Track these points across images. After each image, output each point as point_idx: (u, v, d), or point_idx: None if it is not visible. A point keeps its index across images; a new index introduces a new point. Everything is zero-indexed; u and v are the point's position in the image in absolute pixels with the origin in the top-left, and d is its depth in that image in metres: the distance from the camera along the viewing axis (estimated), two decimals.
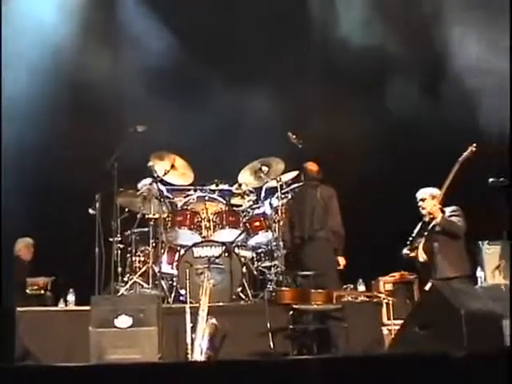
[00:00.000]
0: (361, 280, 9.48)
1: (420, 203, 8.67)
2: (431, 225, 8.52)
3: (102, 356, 7.43)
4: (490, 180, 8.85)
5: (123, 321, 7.62)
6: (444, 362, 4.90)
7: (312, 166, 9.14)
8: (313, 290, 7.92)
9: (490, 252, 9.84)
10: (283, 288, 8.79)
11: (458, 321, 6.67)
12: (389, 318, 8.98)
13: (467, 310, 6.80)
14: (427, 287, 7.53)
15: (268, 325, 7.87)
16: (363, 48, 10.97)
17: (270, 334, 7.85)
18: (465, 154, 8.54)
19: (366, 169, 10.67)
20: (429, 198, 8.61)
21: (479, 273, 9.67)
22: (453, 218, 8.58)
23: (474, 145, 8.55)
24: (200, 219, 9.89)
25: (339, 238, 8.81)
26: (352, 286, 9.38)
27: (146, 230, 9.67)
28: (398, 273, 9.55)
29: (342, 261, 8.77)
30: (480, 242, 9.91)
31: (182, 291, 8.97)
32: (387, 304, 8.99)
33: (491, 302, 7.71)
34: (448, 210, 8.67)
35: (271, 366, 5.35)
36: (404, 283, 9.65)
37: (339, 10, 11.34)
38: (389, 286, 9.64)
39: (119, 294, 9.12)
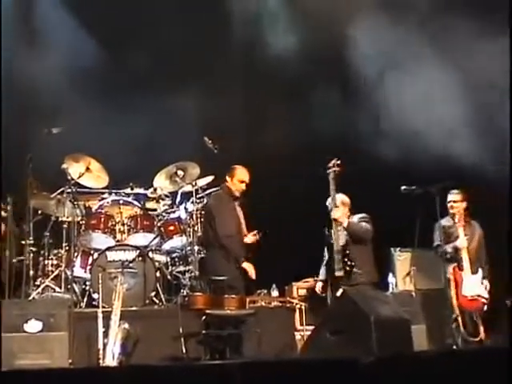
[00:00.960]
0: (274, 285, 9.54)
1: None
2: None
3: (12, 361, 7.30)
4: (403, 188, 9.04)
5: (33, 325, 7.52)
6: (354, 366, 4.97)
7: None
8: (225, 296, 7.94)
9: (402, 259, 10.03)
10: (196, 293, 8.80)
11: (368, 326, 6.79)
12: (301, 324, 9.05)
13: (377, 316, 6.93)
14: (338, 293, 7.63)
15: (180, 330, 7.87)
16: (286, 54, 11.04)
17: (182, 339, 7.85)
18: (329, 170, 8.72)
19: (285, 176, 10.70)
20: (340, 205, 8.77)
21: (391, 279, 9.85)
22: (361, 224, 8.75)
23: (336, 160, 8.73)
24: (114, 223, 9.80)
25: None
26: (265, 292, 9.44)
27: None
28: (311, 278, 9.62)
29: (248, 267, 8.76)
30: (392, 249, 10.09)
31: (95, 295, 8.87)
32: (300, 309, 9.06)
33: (401, 308, 7.89)
34: (356, 216, 8.83)
35: (183, 370, 5.36)
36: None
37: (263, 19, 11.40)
38: (302, 292, 9.70)
39: (30, 298, 8.97)
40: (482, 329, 8.82)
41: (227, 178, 8.95)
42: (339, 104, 10.99)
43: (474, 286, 9.01)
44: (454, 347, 8.50)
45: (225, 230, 8.64)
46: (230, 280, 8.25)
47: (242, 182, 8.92)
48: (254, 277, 8.60)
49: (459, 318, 8.89)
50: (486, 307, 8.95)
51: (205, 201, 9.86)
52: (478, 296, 8.98)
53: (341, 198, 8.82)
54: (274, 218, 9.89)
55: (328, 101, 11.01)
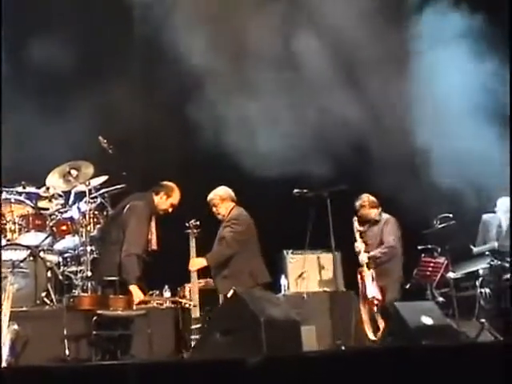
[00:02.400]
0: (167, 286, 9.55)
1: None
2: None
3: None
4: (295, 191, 9.20)
5: None
6: (242, 366, 5.05)
7: None
8: (112, 296, 7.91)
9: (294, 261, 10.19)
10: (82, 294, 8.74)
11: (258, 327, 6.89)
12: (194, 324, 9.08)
13: (267, 317, 7.03)
14: (229, 294, 7.70)
15: (65, 331, 7.82)
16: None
17: (65, 341, 7.80)
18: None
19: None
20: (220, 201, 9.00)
21: (283, 281, 10.00)
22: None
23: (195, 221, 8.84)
24: (5, 222, 9.62)
25: None
26: (157, 293, 9.45)
27: None
28: (204, 279, 9.67)
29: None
30: (284, 251, 10.25)
31: None
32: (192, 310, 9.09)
33: (292, 310, 8.03)
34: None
35: (73, 371, 5.33)
36: (210, 290, 9.78)
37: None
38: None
39: None
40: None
41: (158, 192, 8.61)
42: None
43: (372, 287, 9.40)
44: (343, 348, 8.70)
45: (129, 248, 8.20)
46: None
47: (172, 206, 8.68)
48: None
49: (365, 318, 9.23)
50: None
51: (98, 200, 9.82)
52: (373, 298, 9.29)
53: (221, 191, 9.02)
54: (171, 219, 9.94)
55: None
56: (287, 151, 10.59)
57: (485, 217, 10.08)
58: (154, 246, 8.57)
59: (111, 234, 8.49)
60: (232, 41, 10.91)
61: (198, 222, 8.76)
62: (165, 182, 8.72)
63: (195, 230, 8.74)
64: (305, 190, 9.14)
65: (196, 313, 8.54)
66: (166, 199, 8.60)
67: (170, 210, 8.67)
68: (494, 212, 10.05)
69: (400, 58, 10.95)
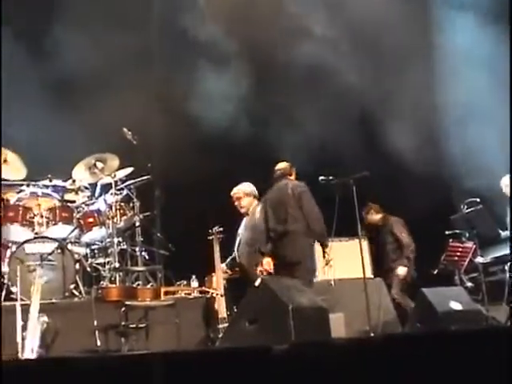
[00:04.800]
0: (194, 276, 9.57)
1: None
2: None
3: None
4: (320, 178, 9.19)
5: None
6: (268, 354, 5.05)
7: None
8: (139, 287, 7.96)
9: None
10: (110, 285, 8.79)
11: (286, 315, 6.90)
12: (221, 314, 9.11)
13: (295, 305, 7.04)
14: (257, 283, 7.71)
15: (95, 322, 7.86)
16: None
17: (96, 332, 7.83)
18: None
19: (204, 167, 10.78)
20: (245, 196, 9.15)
21: None
22: None
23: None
24: (33, 215, 9.67)
25: (313, 232, 8.82)
26: (185, 282, 9.48)
27: None
28: (230, 269, 9.68)
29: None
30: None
31: (14, 289, 8.77)
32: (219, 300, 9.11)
33: (319, 297, 8.03)
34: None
35: (102, 362, 5.36)
36: (236, 279, 9.79)
37: None
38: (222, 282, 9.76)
39: None
40: None
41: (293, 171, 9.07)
42: None
43: None
44: (372, 334, 8.69)
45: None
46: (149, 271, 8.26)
47: None
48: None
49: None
50: None
51: (124, 192, 9.89)
52: None
53: (245, 187, 9.09)
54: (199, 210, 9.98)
55: None
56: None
57: None
58: None
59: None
60: None
61: (221, 228, 8.96)
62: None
63: (219, 236, 8.95)
64: (330, 177, 9.13)
65: (223, 302, 8.56)
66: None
67: None
68: None
69: None
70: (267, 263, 8.56)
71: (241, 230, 9.47)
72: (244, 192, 9.30)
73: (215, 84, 11.40)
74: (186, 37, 11.29)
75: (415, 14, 11.09)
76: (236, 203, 9.34)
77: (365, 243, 9.92)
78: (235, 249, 9.49)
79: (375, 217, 10.60)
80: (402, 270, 10.10)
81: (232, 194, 9.35)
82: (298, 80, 11.37)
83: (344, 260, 10.07)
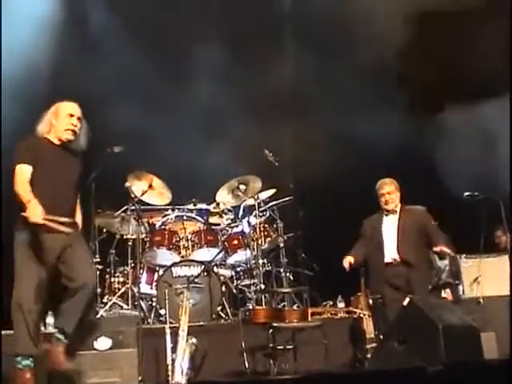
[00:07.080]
0: (340, 296, 9.50)
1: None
2: None
3: (83, 380, 7.35)
4: (465, 194, 8.98)
5: (102, 343, 7.58)
6: (422, 375, 4.94)
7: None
8: (287, 308, 7.92)
9: (468, 265, 9.91)
10: (257, 307, 8.80)
11: (437, 335, 6.72)
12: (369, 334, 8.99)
13: (445, 324, 6.85)
14: (405, 302, 7.56)
15: (242, 344, 7.87)
16: None
17: (244, 354, 7.83)
18: None
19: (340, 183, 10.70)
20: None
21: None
22: None
23: None
24: (178, 239, 9.87)
25: None
26: (331, 303, 9.41)
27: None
28: None
29: None
30: (458, 256, 9.98)
31: (162, 311, 8.94)
32: (366, 320, 9.00)
33: (468, 316, 7.79)
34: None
35: None
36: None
37: None
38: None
39: (98, 315, 9.08)
40: None
41: None
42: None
43: None
44: None
45: None
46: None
47: None
48: None
49: None
50: None
51: (267, 214, 9.92)
52: None
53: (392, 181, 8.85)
54: (340, 225, 9.89)
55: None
56: None
57: None
58: None
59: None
60: None
61: None
62: None
63: None
64: (476, 193, 8.91)
65: (370, 322, 8.44)
66: None
67: None
68: None
69: None
70: None
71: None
72: (396, 186, 8.77)
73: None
74: None
75: None
76: (387, 197, 8.69)
77: None
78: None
79: None
80: None
81: (385, 186, 8.79)
82: None
83: (492, 277, 9.79)
